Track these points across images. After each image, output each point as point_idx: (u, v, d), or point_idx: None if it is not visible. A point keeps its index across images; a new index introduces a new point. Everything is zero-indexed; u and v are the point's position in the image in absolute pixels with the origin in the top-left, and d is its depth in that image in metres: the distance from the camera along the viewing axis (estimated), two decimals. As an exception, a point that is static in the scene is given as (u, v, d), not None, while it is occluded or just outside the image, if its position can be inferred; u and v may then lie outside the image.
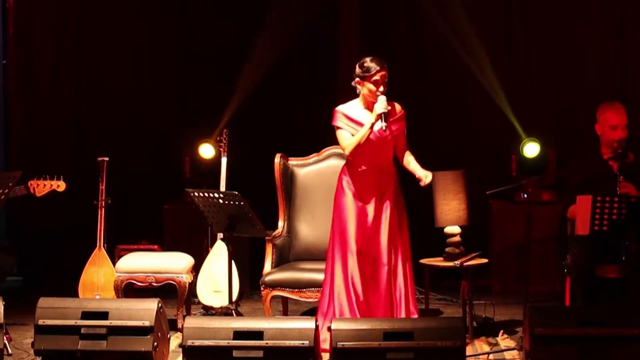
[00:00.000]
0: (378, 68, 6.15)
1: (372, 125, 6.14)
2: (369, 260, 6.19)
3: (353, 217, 6.24)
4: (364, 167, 6.28)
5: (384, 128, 6.10)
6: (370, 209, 6.24)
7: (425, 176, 6.19)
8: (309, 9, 8.68)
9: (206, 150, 8.41)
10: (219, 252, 7.34)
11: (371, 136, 6.20)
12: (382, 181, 6.27)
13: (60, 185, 6.98)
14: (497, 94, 8.40)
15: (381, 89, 6.16)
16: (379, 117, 6.10)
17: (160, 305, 5.58)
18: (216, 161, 8.15)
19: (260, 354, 5.22)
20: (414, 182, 8.23)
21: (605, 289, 6.31)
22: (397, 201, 6.30)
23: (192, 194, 6.20)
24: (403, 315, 6.17)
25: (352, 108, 6.29)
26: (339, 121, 6.28)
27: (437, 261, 6.77)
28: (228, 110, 8.58)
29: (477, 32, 8.63)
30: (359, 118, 6.24)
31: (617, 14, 8.52)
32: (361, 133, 6.18)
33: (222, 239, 7.24)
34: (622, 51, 8.54)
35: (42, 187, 6.92)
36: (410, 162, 6.32)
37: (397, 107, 6.33)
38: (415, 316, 6.22)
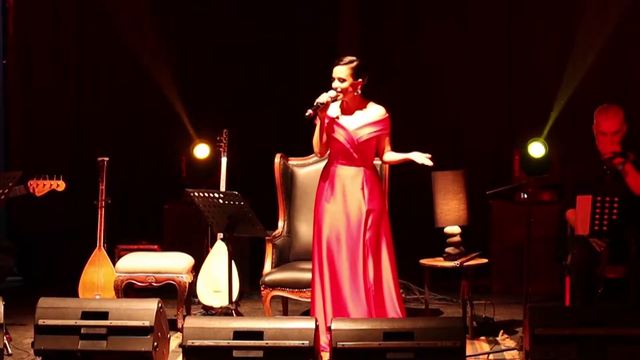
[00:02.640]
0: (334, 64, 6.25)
1: (319, 118, 6.19)
2: (344, 259, 6.16)
3: (326, 219, 6.22)
4: (338, 167, 6.27)
5: (305, 114, 6.12)
6: (343, 211, 6.20)
7: (418, 156, 6.18)
8: (309, 8, 8.69)
9: (201, 151, 8.41)
10: (219, 252, 7.34)
11: (340, 137, 6.21)
12: (356, 183, 6.23)
13: (60, 185, 6.98)
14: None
15: (334, 84, 6.19)
16: (315, 105, 6.15)
17: (160, 305, 5.58)
18: (212, 161, 8.16)
19: (260, 354, 5.22)
20: (414, 182, 8.28)
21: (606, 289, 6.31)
22: (375, 202, 6.24)
23: (192, 194, 6.20)
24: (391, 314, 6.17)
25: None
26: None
27: (437, 261, 6.77)
28: (227, 110, 8.59)
29: (476, 31, 8.65)
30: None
31: (618, 13, 8.51)
32: (316, 129, 6.25)
33: (222, 239, 7.24)
34: (623, 50, 8.54)
35: (41, 186, 6.92)
36: (393, 156, 6.31)
37: (379, 110, 6.30)
38: (400, 314, 6.21)
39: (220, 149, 7.67)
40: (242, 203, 6.07)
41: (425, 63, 8.75)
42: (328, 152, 6.36)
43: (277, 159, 7.04)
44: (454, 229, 6.76)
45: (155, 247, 8.09)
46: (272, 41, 8.74)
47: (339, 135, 6.23)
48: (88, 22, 8.92)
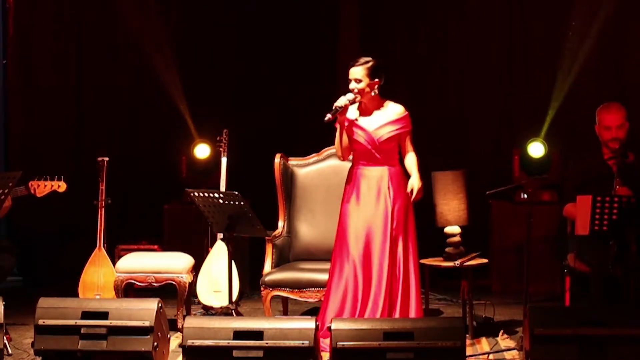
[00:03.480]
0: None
1: (338, 122, 6.17)
2: (368, 263, 6.15)
3: (352, 220, 6.22)
4: (362, 169, 6.27)
5: (325, 118, 6.09)
6: (370, 211, 6.20)
7: (412, 189, 6.13)
8: (309, 10, 8.69)
9: (201, 151, 8.42)
10: (219, 252, 7.34)
11: (361, 138, 6.21)
12: (383, 183, 6.24)
13: (61, 186, 6.98)
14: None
15: (350, 85, 6.19)
16: (333, 110, 6.12)
17: (160, 305, 5.58)
18: (212, 161, 8.16)
19: (260, 354, 5.22)
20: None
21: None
22: (401, 200, 6.22)
23: (192, 194, 6.20)
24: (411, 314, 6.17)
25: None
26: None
27: (437, 261, 6.77)
28: (227, 110, 8.60)
29: (476, 32, 8.66)
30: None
31: (617, 12, 8.52)
32: (336, 134, 6.25)
33: (222, 239, 7.24)
34: (621, 50, 8.54)
35: (42, 187, 6.92)
36: (409, 165, 6.28)
37: (397, 109, 6.29)
38: (421, 312, 6.22)
39: (220, 149, 7.67)
40: (242, 203, 6.07)
41: (426, 63, 8.75)
42: (351, 156, 6.35)
43: (277, 159, 7.04)
44: (454, 229, 6.76)
45: (155, 247, 8.09)
46: (272, 41, 8.74)
47: (359, 136, 6.22)
48: (88, 22, 8.93)
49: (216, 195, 6.14)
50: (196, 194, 6.17)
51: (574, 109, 8.44)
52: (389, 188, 6.22)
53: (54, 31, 8.94)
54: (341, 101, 6.16)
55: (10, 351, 6.22)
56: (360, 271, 6.15)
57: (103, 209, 7.28)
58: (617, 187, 6.30)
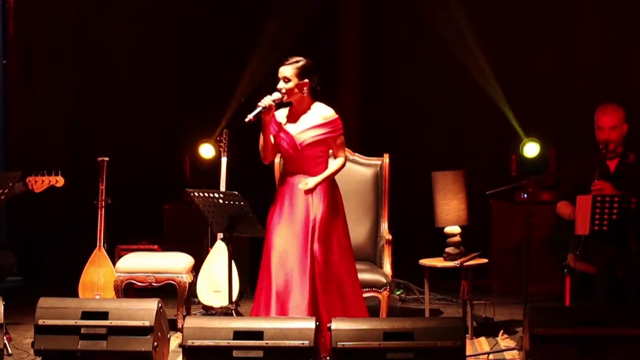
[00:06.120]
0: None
1: (263, 122, 5.89)
2: (290, 268, 5.79)
3: (276, 224, 5.92)
4: (288, 175, 5.99)
5: (245, 119, 5.83)
6: (291, 223, 5.86)
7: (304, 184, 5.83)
8: (309, 8, 8.69)
9: (206, 150, 8.41)
10: (219, 252, 7.34)
11: (284, 142, 5.91)
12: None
13: (59, 181, 6.95)
14: (497, 94, 8.40)
15: (278, 84, 5.93)
16: (256, 110, 5.83)
17: (160, 305, 5.58)
18: (216, 161, 8.15)
19: (260, 354, 5.22)
20: (414, 182, 8.29)
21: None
22: (323, 210, 5.84)
23: (192, 194, 6.19)
24: None
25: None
26: None
27: (437, 261, 6.77)
28: (228, 110, 8.59)
29: (476, 31, 8.66)
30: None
31: (616, 13, 8.52)
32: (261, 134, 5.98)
33: (222, 239, 7.25)
34: (620, 50, 8.54)
35: (40, 183, 6.90)
36: (329, 167, 5.92)
37: (325, 112, 5.92)
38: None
39: (221, 149, 7.67)
40: (242, 203, 6.06)
41: (426, 63, 8.74)
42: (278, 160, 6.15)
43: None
44: (454, 229, 6.77)
45: (155, 247, 8.08)
46: (272, 41, 8.74)
47: (283, 140, 5.92)
48: (88, 22, 8.93)
49: (216, 195, 6.14)
50: (196, 194, 6.17)
51: (571, 107, 8.45)
52: (311, 197, 5.86)
53: (54, 31, 8.94)
54: (265, 101, 5.86)
55: (10, 351, 6.22)
56: (280, 285, 5.78)
57: (103, 209, 7.28)
58: (596, 179, 6.29)
